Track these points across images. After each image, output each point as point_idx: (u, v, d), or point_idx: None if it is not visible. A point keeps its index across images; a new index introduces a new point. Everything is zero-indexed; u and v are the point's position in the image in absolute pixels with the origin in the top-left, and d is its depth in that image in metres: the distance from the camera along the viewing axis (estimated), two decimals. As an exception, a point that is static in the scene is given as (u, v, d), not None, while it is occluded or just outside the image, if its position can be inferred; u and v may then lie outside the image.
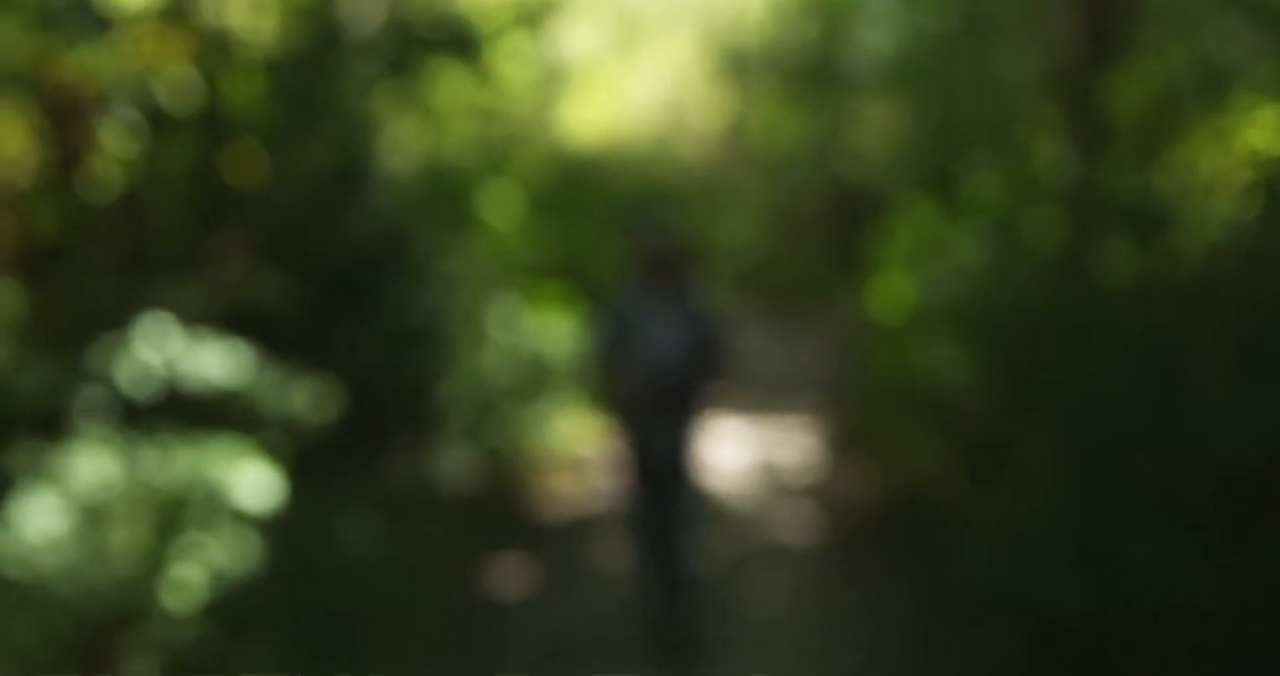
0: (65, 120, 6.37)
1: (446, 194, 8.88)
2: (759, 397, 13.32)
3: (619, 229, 17.58)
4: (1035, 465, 5.79)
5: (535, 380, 9.85)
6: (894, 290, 10.44)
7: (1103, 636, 4.43)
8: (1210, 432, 4.48)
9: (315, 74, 7.32)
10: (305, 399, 5.63)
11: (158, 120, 6.59)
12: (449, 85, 11.15)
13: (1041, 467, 5.69)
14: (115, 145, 5.60)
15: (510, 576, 7.41)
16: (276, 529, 5.50)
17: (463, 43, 7.87)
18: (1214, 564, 4.33)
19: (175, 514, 4.82)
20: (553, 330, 10.25)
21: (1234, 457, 4.35)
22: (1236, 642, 4.14)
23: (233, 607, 4.87)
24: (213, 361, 5.03)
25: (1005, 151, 8.26)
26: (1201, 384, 5.06)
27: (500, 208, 10.27)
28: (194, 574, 4.81)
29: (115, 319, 5.83)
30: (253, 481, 4.89)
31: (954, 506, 5.93)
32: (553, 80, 14.75)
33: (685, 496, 5.84)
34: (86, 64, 5.97)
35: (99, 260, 6.65)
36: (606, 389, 5.88)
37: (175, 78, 6.46)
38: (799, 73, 23.22)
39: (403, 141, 14.01)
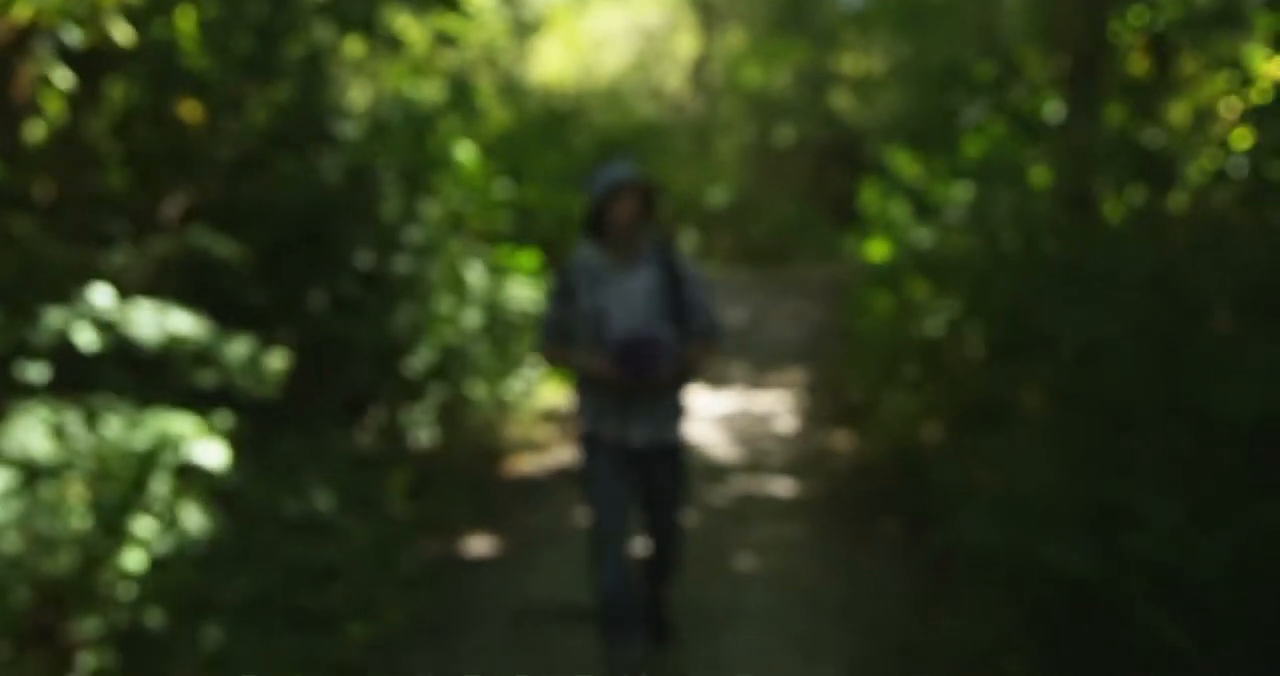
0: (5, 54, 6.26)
1: (411, 139, 8.75)
2: (741, 357, 13.32)
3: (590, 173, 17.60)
4: (1030, 422, 5.79)
5: (503, 333, 9.81)
6: (881, 240, 10.44)
7: (1105, 601, 4.44)
8: (1216, 387, 4.48)
9: (269, 6, 7.19)
10: (261, 357, 5.56)
11: (98, 56, 6.47)
12: (415, 25, 11.03)
13: (1036, 424, 5.70)
14: (56, 79, 5.45)
15: (479, 533, 7.41)
16: (236, 487, 5.47)
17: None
18: (1221, 525, 4.34)
19: (133, 473, 4.77)
20: (521, 281, 10.20)
21: (1241, 413, 4.34)
22: (1241, 606, 4.15)
23: (192, 566, 4.84)
24: (162, 321, 4.94)
25: (1001, 94, 8.21)
26: (1206, 335, 5.06)
27: (467, 153, 10.16)
28: (153, 532, 4.77)
29: (63, 278, 5.75)
30: (209, 441, 4.84)
31: (947, 467, 5.92)
32: (522, 22, 14.63)
33: (669, 504, 5.20)
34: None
35: (43, 213, 6.55)
36: (563, 367, 5.18)
37: (116, 10, 6.32)
38: (778, 9, 23.14)
39: (366, 84, 13.84)
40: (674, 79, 26.70)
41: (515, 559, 6.99)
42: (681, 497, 5.27)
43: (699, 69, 24.04)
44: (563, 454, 9.35)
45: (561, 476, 8.66)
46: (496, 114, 16.32)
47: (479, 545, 7.26)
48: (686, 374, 5.00)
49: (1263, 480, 4.50)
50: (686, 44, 26.36)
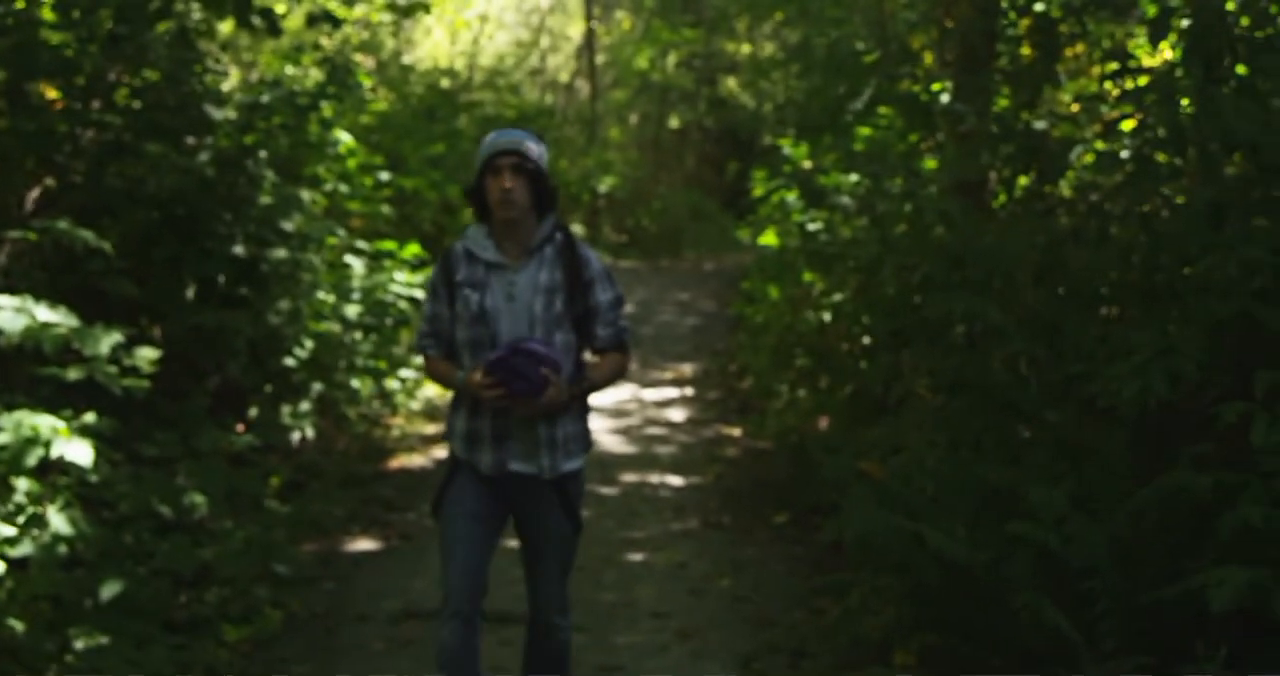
0: None
1: (289, 124, 8.68)
2: (637, 353, 13.37)
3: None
4: (918, 410, 5.94)
5: (385, 327, 9.78)
6: (772, 228, 10.58)
7: (991, 588, 4.59)
8: (1100, 373, 4.64)
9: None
10: (130, 351, 5.50)
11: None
12: (291, 4, 10.93)
13: (924, 412, 5.85)
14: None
15: (360, 532, 7.39)
16: (105, 487, 5.41)
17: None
18: (1103, 511, 4.51)
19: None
20: (403, 273, 10.17)
21: (1123, 399, 4.51)
22: (1120, 590, 4.32)
23: (58, 569, 4.78)
24: (23, 314, 4.85)
25: (891, 80, 8.37)
26: (1091, 321, 5.23)
27: (346, 139, 10.10)
28: (15, 534, 4.70)
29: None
30: (75, 439, 4.78)
31: (836, 456, 6.04)
32: (403, 2, 14.51)
33: (551, 566, 4.35)
34: None
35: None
36: (436, 381, 4.46)
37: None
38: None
39: (240, 66, 13.63)
40: (561, 63, 26.71)
41: (398, 558, 6.99)
42: (568, 557, 4.38)
43: (587, 53, 24.04)
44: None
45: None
46: (376, 97, 16.20)
47: (360, 544, 7.25)
48: (585, 393, 4.28)
49: (1143, 466, 4.68)
50: (574, 27, 26.36)
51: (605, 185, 21.62)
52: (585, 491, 4.47)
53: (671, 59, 24.39)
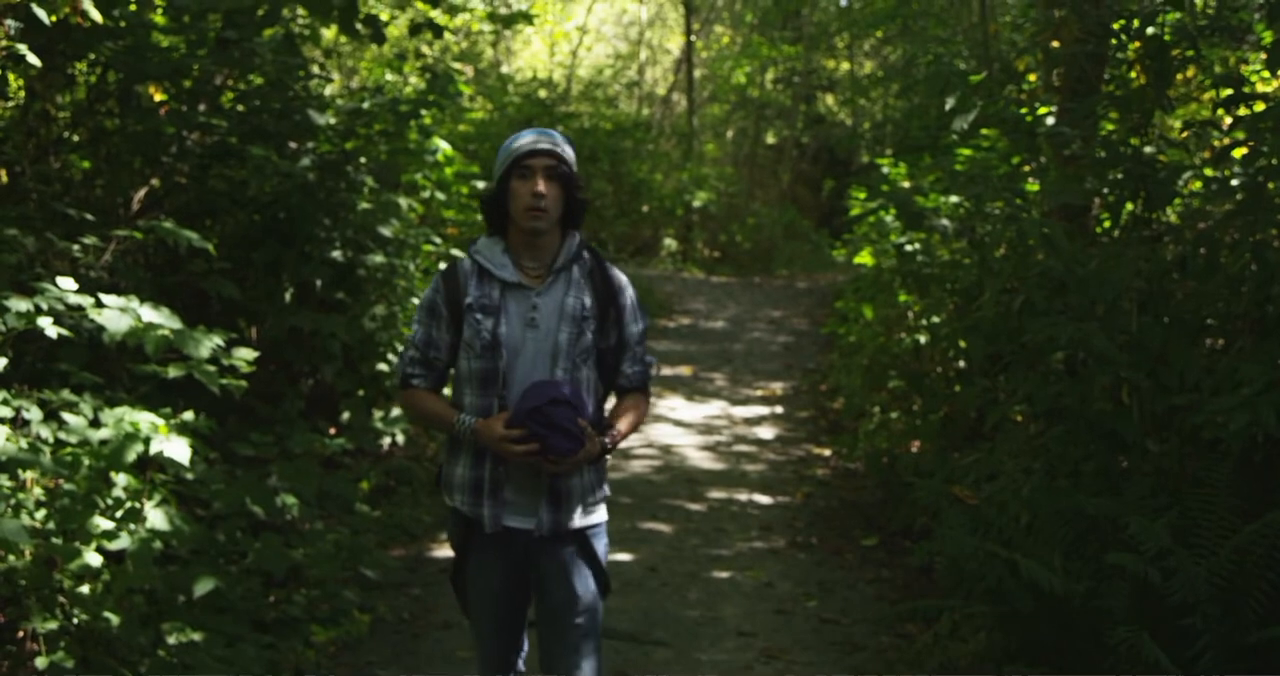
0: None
1: (389, 131, 8.80)
2: (723, 367, 13.40)
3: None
4: (1015, 436, 5.88)
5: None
6: (867, 247, 10.53)
7: (1087, 619, 4.53)
8: (1205, 406, 4.57)
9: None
10: (229, 352, 5.60)
11: (66, 34, 6.48)
12: (395, 13, 11.09)
13: (1021, 439, 5.79)
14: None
15: (445, 538, 7.44)
16: (202, 485, 5.51)
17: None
18: (1206, 546, 4.44)
19: (95, 469, 4.81)
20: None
21: (1229, 432, 4.44)
22: (1221, 627, 4.25)
23: (155, 565, 4.88)
24: (128, 314, 4.96)
25: (995, 101, 8.31)
26: (1197, 352, 5.15)
27: (445, 147, 10.21)
28: (114, 529, 4.81)
29: (24, 266, 5.78)
30: (174, 437, 4.88)
31: (928, 480, 6.00)
32: (504, 13, 14.67)
33: (578, 636, 3.74)
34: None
35: (2, 198, 6.57)
36: (423, 422, 4.04)
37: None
38: (766, 8, 23.24)
39: (344, 73, 13.85)
40: (659, 76, 26.82)
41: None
42: (596, 626, 3.78)
43: (685, 67, 24.12)
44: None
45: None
46: (475, 106, 16.39)
47: (447, 550, 7.28)
48: (615, 446, 3.71)
49: (1248, 501, 4.60)
50: (673, 40, 26.47)
51: (700, 200, 21.66)
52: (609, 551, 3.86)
53: (770, 75, 24.41)
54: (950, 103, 6.20)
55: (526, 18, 12.34)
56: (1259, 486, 4.73)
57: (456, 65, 17.50)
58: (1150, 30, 5.64)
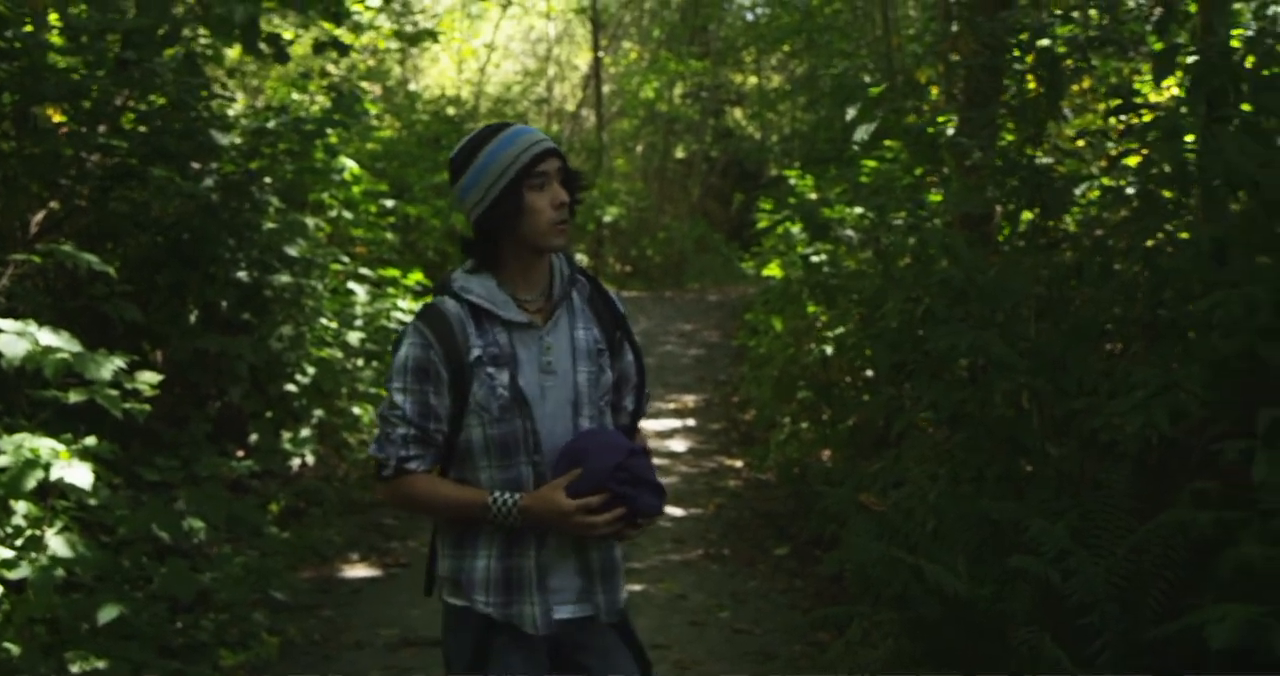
0: None
1: (294, 150, 8.75)
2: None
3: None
4: (920, 444, 5.96)
5: (386, 353, 9.82)
6: (775, 259, 10.63)
7: (990, 622, 4.60)
8: (1102, 409, 4.67)
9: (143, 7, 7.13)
10: (132, 376, 5.52)
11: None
12: (298, 32, 11.02)
13: (926, 446, 5.87)
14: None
15: (360, 559, 7.41)
16: (105, 511, 5.43)
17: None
18: (1104, 546, 4.53)
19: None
20: (404, 300, 10.22)
21: (1126, 436, 4.54)
22: (1123, 628, 4.34)
23: (56, 593, 4.80)
24: (26, 338, 4.88)
25: (898, 113, 8.43)
26: (1094, 357, 5.26)
27: (351, 166, 10.17)
28: (18, 559, 4.72)
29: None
30: (76, 463, 4.80)
31: (837, 489, 6.06)
32: (410, 31, 14.62)
33: None
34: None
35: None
36: (436, 512, 3.04)
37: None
38: (673, 25, 23.41)
39: (248, 93, 13.71)
40: (568, 92, 26.86)
41: (397, 585, 7.01)
42: None
43: (593, 83, 24.18)
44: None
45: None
46: (384, 124, 16.32)
47: (359, 571, 7.26)
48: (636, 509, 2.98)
49: (1145, 502, 4.70)
50: (581, 57, 26.53)
51: (610, 215, 21.71)
52: None
53: (678, 89, 24.53)
54: (851, 113, 6.28)
55: (431, 35, 12.34)
56: (1155, 487, 4.84)
57: (364, 83, 17.43)
58: (1043, 42, 5.77)
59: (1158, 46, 5.93)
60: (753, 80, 24.74)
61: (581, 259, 21.96)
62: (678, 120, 24.87)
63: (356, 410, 9.36)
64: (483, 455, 2.93)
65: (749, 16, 23.32)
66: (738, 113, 25.75)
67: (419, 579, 6.96)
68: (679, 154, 25.92)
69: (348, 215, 10.31)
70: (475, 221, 2.95)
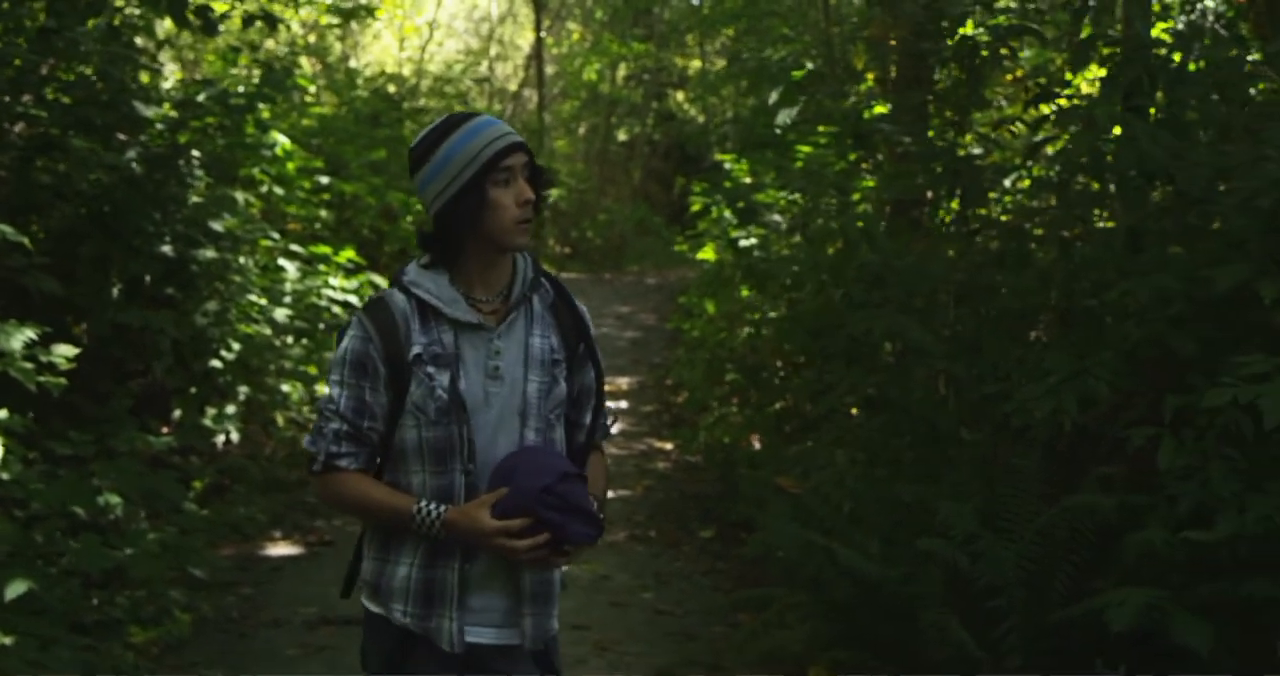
0: None
1: (224, 124, 8.65)
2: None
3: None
4: (837, 425, 6.02)
5: (319, 331, 9.76)
6: (710, 243, 10.66)
7: (901, 604, 4.65)
8: (1013, 396, 4.72)
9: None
10: (48, 349, 5.45)
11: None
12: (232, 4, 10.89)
13: (844, 427, 5.92)
14: None
15: (283, 536, 7.38)
16: (15, 486, 5.36)
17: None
18: (1013, 530, 4.59)
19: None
20: (336, 278, 10.16)
21: (1037, 421, 4.59)
22: (1030, 610, 4.40)
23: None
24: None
25: (834, 99, 8.47)
26: (1010, 342, 5.32)
27: (284, 141, 10.07)
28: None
29: None
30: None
31: (759, 472, 6.11)
32: (349, 6, 14.50)
33: None
34: None
35: None
36: (364, 513, 2.88)
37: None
38: (616, 6, 23.36)
39: (179, 65, 13.52)
40: (510, 72, 26.74)
41: (319, 563, 6.98)
42: None
43: (536, 63, 24.08)
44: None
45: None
46: (320, 101, 16.18)
47: (281, 549, 7.23)
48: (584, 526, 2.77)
49: (1054, 486, 4.76)
50: (524, 37, 26.42)
51: (550, 196, 21.61)
52: None
53: (621, 72, 24.48)
54: (774, 98, 6.31)
55: (368, 10, 12.23)
56: (1065, 472, 4.91)
57: (303, 60, 17.26)
58: (965, 29, 5.81)
59: (1087, 32, 5.99)
60: (697, 64, 24.72)
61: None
62: (620, 102, 24.81)
63: (286, 387, 9.30)
64: (416, 458, 2.77)
65: (694, 0, 23.29)
66: (680, 96, 25.72)
67: (343, 557, 6.94)
68: (621, 136, 25.86)
69: (279, 191, 10.21)
70: (435, 215, 2.79)
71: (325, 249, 10.56)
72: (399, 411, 2.76)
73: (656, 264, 21.29)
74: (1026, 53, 7.28)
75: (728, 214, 9.66)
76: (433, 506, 2.72)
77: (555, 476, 2.67)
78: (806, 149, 9.19)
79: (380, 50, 24.21)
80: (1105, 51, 5.32)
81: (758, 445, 8.40)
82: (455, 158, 2.73)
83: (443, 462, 2.76)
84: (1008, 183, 6.37)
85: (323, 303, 9.81)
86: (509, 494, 2.67)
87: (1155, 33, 5.82)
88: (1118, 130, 5.22)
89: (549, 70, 24.56)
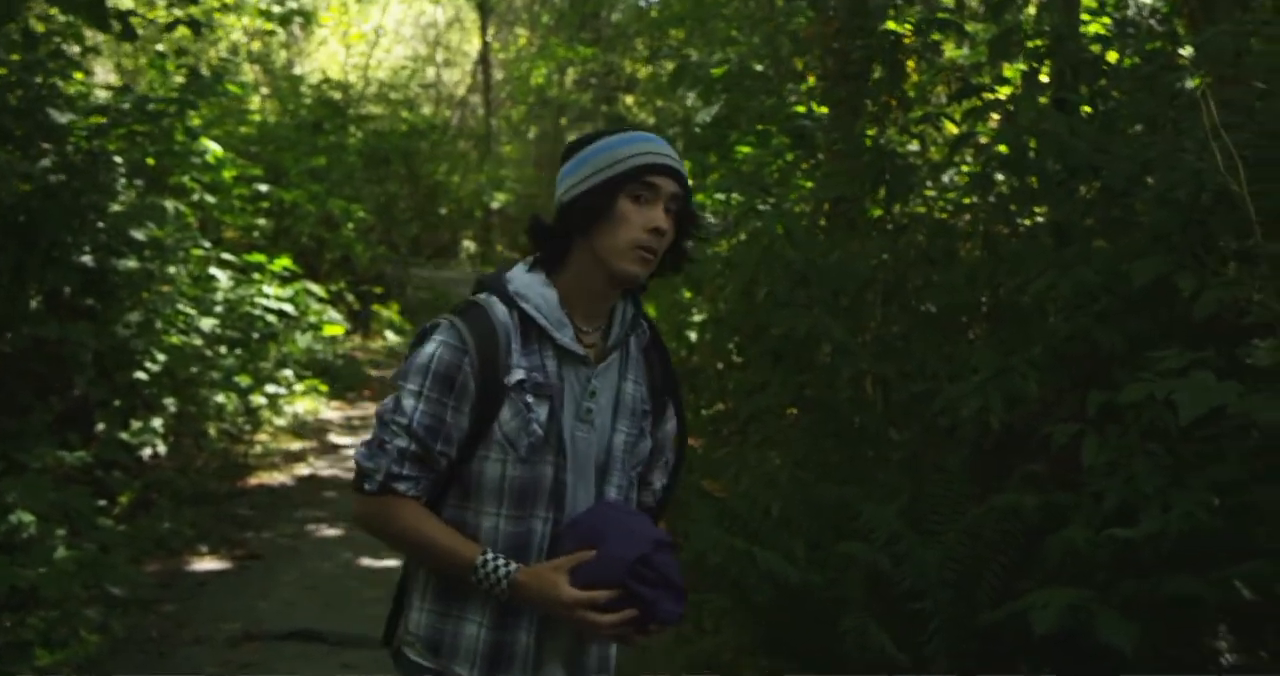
0: None
1: (152, 131, 8.48)
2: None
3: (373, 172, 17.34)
4: (765, 427, 5.92)
5: (252, 341, 9.61)
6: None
7: (820, 610, 4.55)
8: (940, 395, 4.64)
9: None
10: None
11: None
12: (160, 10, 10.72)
13: (772, 429, 5.83)
14: None
15: (209, 551, 7.21)
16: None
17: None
18: (936, 531, 4.50)
19: None
20: (270, 287, 10.02)
21: (963, 420, 4.51)
22: (955, 613, 4.31)
23: None
24: None
25: (776, 99, 8.39)
26: (935, 340, 5.24)
27: (216, 149, 9.91)
28: None
29: None
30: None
31: (691, 476, 6.00)
32: (291, 11, 14.34)
33: None
34: None
35: None
36: (417, 550, 2.46)
37: None
38: (562, 11, 23.27)
39: (119, 71, 13.31)
40: (458, 78, 26.61)
41: (246, 578, 6.83)
42: None
43: (483, 68, 23.96)
44: (317, 464, 9.25)
45: (314, 483, 8.55)
46: (259, 107, 16.02)
47: (207, 563, 7.06)
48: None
49: (981, 485, 4.68)
50: (471, 42, 26.29)
51: (498, 201, 21.53)
52: None
53: (570, 76, 24.38)
54: (692, 98, 6.22)
55: (304, 15, 12.06)
56: (992, 471, 4.83)
57: (246, 67, 17.08)
58: (889, 25, 5.74)
59: (1025, 24, 5.91)
60: (644, 68, 24.66)
61: (469, 246, 21.77)
62: (569, 106, 24.71)
63: (220, 398, 9.14)
64: (493, 498, 2.40)
65: (642, 3, 23.21)
66: (629, 99, 25.63)
67: (269, 571, 6.84)
68: (562, 132, 25.75)
69: (210, 199, 10.04)
70: (558, 206, 2.48)
71: (260, 257, 10.42)
72: (479, 440, 2.39)
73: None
74: (965, 50, 7.22)
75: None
76: (500, 561, 2.36)
77: (651, 545, 2.35)
78: (745, 149, 9.10)
79: (326, 57, 24.04)
80: (1031, 45, 5.25)
81: (699, 448, 8.30)
82: (602, 155, 2.43)
83: (524, 507, 2.40)
84: (946, 179, 6.30)
85: (256, 312, 9.66)
86: (596, 561, 2.33)
87: (1093, 28, 5.77)
88: (1025, 121, 5.14)
89: (497, 75, 24.44)
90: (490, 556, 2.36)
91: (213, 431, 9.04)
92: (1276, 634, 4.10)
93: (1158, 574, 3.89)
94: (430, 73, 25.82)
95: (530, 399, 2.38)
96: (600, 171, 2.42)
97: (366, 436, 2.46)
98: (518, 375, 2.38)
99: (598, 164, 2.43)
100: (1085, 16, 5.56)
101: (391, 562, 6.95)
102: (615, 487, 2.49)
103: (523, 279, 2.46)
